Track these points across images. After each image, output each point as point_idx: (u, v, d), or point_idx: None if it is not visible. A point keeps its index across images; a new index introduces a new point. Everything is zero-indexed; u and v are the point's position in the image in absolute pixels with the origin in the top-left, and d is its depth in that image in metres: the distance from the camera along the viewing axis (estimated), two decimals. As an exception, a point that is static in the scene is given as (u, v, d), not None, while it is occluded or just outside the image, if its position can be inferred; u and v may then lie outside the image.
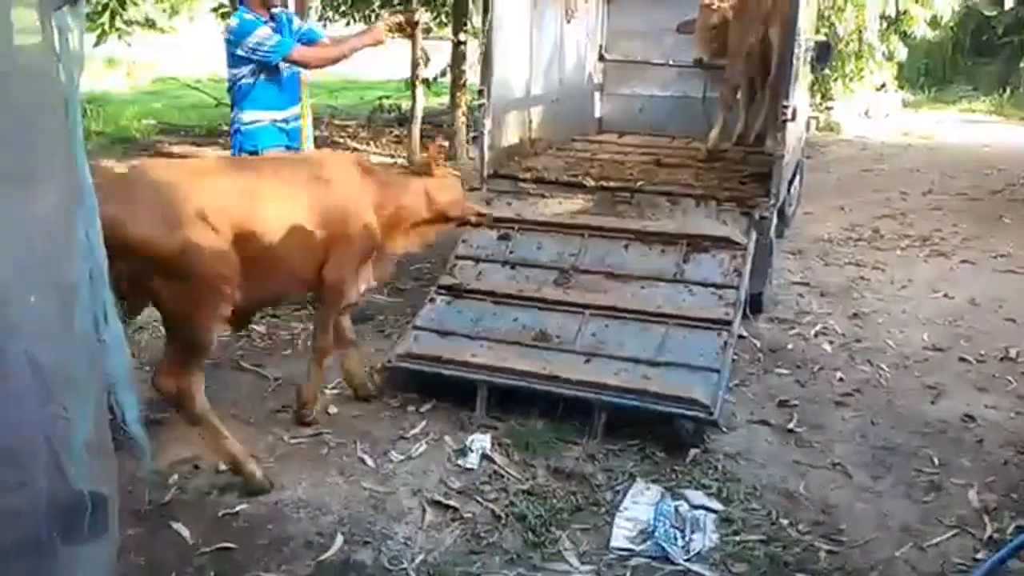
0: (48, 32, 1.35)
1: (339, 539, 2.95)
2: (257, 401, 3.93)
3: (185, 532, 2.97)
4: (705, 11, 5.84)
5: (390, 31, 4.31)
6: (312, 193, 3.36)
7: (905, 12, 13.66)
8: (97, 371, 1.50)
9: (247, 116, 4.39)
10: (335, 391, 4.07)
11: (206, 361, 3.24)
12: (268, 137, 4.40)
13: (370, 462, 3.44)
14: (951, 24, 17.30)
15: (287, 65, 4.36)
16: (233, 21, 4.28)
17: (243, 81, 4.36)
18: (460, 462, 3.45)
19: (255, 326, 4.80)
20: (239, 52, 4.24)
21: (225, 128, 11.80)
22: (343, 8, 12.07)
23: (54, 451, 1.44)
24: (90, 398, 1.47)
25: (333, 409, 3.89)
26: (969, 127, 14.99)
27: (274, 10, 4.40)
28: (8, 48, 1.38)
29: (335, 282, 3.50)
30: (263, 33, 4.19)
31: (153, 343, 4.58)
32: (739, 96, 6.10)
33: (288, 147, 4.54)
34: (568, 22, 6.41)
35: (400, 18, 4.30)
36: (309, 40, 4.51)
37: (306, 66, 4.34)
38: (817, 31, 7.88)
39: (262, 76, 4.33)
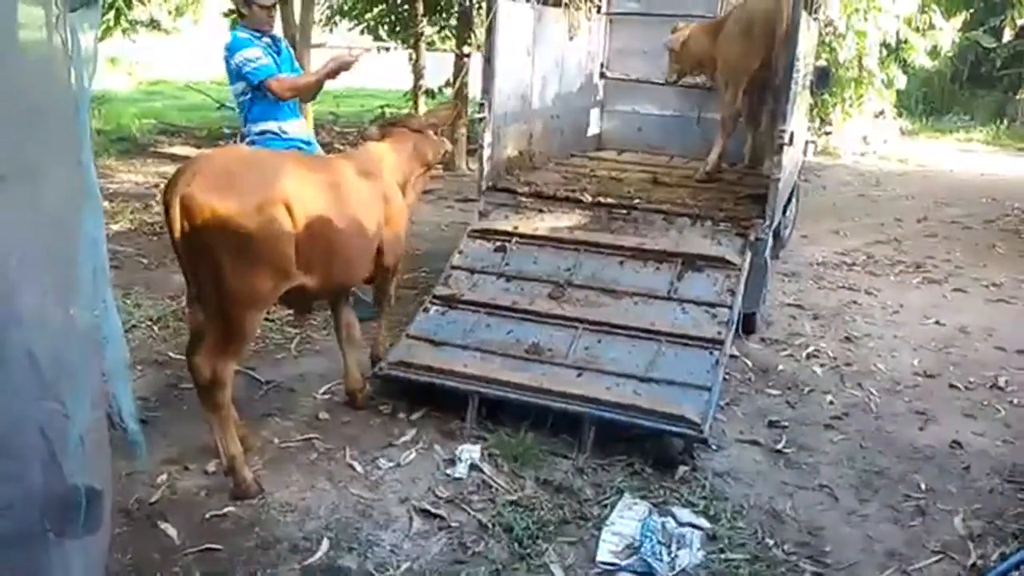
0: (59, 32, 1.37)
1: (325, 544, 2.95)
2: (248, 404, 3.93)
3: (172, 532, 2.97)
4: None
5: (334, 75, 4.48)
6: (369, 188, 3.65)
7: (905, 41, 13.79)
8: (95, 366, 1.50)
9: (257, 127, 4.48)
10: (326, 396, 4.07)
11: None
12: (278, 145, 4.44)
13: (359, 468, 3.45)
14: (950, 55, 17.43)
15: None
16: (229, 37, 4.44)
17: (242, 98, 4.46)
18: (449, 471, 3.45)
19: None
20: (232, 66, 4.35)
21: (228, 131, 11.89)
22: (353, 13, 12.10)
23: (50, 444, 1.45)
24: (87, 393, 1.47)
25: (323, 415, 3.89)
26: (966, 156, 15.10)
27: (273, 33, 4.53)
28: (15, 47, 1.39)
29: (392, 264, 3.90)
30: (250, 53, 4.30)
31: (145, 342, 4.59)
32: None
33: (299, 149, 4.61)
34: (571, 39, 6.46)
35: (340, 62, 4.44)
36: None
37: (276, 96, 4.36)
38: (818, 57, 7.95)
39: (256, 93, 4.39)
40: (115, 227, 6.98)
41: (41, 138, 1.43)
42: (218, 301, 3.11)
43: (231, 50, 4.33)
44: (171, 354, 4.42)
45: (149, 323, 4.82)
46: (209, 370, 3.12)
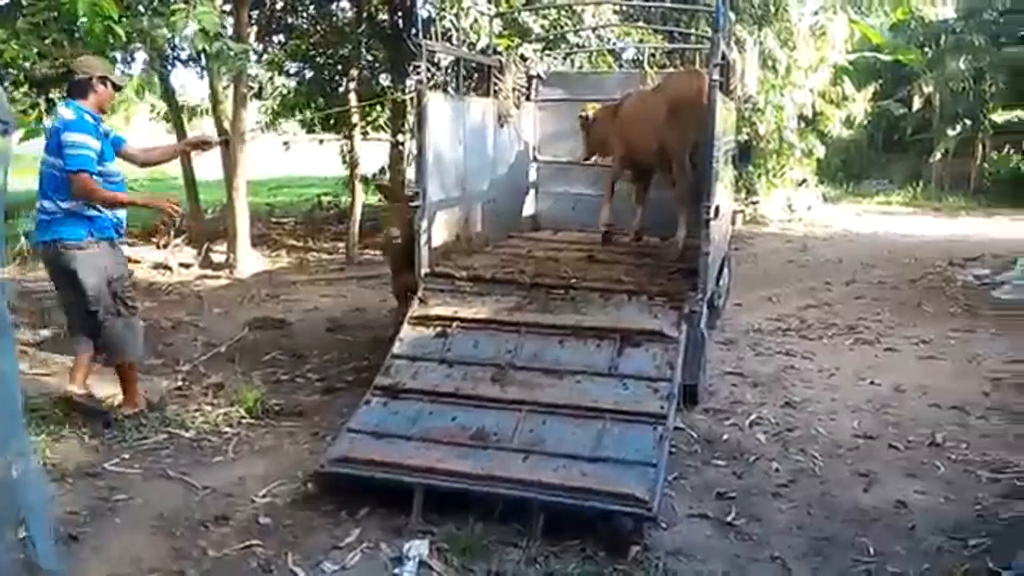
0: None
1: (268, 659, 2.81)
2: (184, 512, 3.77)
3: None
4: None
5: (191, 148, 5.10)
6: None
7: (821, 113, 14.53)
8: (11, 509, 1.42)
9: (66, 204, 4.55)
10: (266, 499, 3.93)
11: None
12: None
13: (302, 575, 3.31)
14: (864, 124, 18.39)
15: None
16: (71, 113, 4.50)
17: (52, 171, 4.54)
18: (396, 571, 3.33)
19: (182, 431, 4.65)
20: (61, 139, 4.43)
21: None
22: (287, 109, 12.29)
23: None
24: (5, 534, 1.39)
25: (264, 519, 3.73)
26: (886, 219, 15.75)
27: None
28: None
29: None
30: (90, 141, 4.45)
31: (75, 452, 4.39)
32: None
33: None
34: (501, 127, 6.62)
35: (199, 138, 5.01)
36: (114, 144, 4.74)
37: (77, 189, 4.45)
38: (739, 131, 8.29)
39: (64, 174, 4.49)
40: (46, 332, 6.73)
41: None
42: None
43: (71, 127, 4.41)
44: (105, 465, 4.21)
45: (81, 432, 4.62)
46: None
